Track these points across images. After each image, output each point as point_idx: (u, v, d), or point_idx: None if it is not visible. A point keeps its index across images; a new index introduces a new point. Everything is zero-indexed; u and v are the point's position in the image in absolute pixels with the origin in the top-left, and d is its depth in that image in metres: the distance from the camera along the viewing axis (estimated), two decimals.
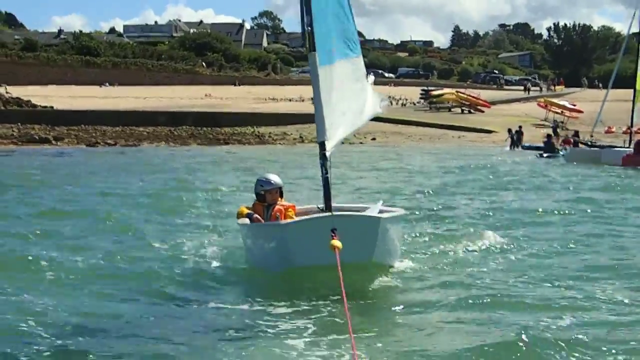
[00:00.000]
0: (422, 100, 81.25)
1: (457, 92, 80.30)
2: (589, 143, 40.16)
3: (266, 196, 11.99)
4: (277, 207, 11.90)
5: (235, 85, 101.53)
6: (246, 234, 12.04)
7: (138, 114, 60.26)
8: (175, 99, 77.76)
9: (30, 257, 12.25)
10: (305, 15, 10.91)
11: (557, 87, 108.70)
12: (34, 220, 16.24)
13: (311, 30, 10.87)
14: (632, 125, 37.75)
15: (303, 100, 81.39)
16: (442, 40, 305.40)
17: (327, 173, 10.97)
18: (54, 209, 18.01)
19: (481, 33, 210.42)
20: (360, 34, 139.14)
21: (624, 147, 36.52)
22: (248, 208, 12.05)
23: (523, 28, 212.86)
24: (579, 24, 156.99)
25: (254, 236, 11.71)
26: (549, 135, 48.14)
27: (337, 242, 9.00)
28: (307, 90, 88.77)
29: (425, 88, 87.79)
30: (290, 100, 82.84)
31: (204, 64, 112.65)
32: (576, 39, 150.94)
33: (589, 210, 18.23)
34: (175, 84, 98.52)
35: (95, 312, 9.41)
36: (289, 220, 10.83)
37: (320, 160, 10.99)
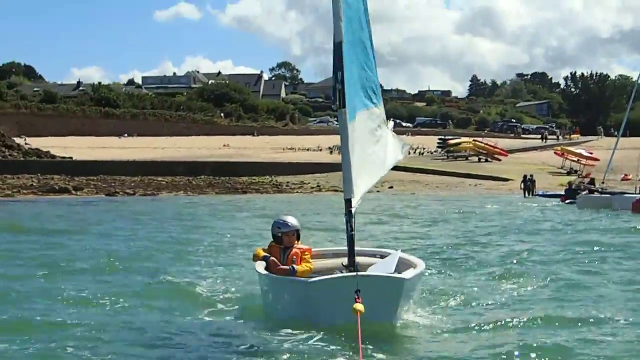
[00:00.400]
0: (439, 149, 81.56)
1: (474, 140, 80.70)
2: (600, 190, 40.58)
3: (283, 238, 11.78)
4: (294, 250, 11.72)
5: (253, 135, 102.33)
6: (266, 284, 11.72)
7: (156, 163, 60.90)
8: (193, 149, 78.44)
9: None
10: (337, 72, 10.78)
11: (572, 136, 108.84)
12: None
13: (342, 87, 10.75)
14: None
15: (321, 150, 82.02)
16: (460, 89, 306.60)
17: (352, 230, 10.77)
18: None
19: (499, 82, 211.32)
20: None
21: (634, 194, 36.73)
22: (264, 250, 11.88)
23: (540, 77, 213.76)
24: (596, 73, 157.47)
25: (274, 288, 11.41)
26: (570, 183, 48.19)
27: (360, 306, 8.92)
28: (324, 140, 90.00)
29: (443, 137, 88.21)
30: (308, 149, 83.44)
31: (222, 114, 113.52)
32: (593, 88, 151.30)
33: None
34: (194, 134, 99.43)
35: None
36: (314, 279, 10.45)
37: (345, 216, 10.82)
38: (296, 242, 11.86)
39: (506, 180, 59.36)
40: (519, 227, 26.63)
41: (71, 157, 63.04)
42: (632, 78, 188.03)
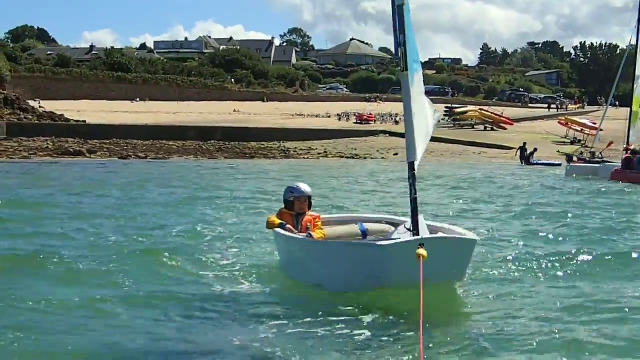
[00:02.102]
0: (446, 118, 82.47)
1: (480, 109, 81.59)
2: (587, 159, 42.48)
3: (295, 204, 11.97)
4: (306, 217, 11.92)
5: (263, 101, 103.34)
6: (317, 251, 11.23)
7: (168, 128, 62.08)
8: (204, 114, 79.64)
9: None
10: (399, 35, 10.49)
11: (570, 107, 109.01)
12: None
13: (405, 50, 10.45)
14: (627, 143, 39.15)
15: (330, 117, 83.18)
16: (471, 57, 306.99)
17: (415, 193, 10.44)
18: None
19: (510, 51, 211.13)
20: (389, 51, 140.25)
21: (615, 163, 38.21)
22: (277, 217, 12.02)
23: (552, 46, 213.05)
24: (605, 43, 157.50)
25: (332, 254, 10.83)
26: (568, 155, 49.41)
27: (423, 251, 8.95)
28: (334, 107, 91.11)
29: (449, 106, 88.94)
30: (317, 116, 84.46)
31: (233, 80, 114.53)
32: (602, 58, 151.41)
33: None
34: (205, 99, 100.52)
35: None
36: (386, 243, 10.16)
37: (409, 180, 10.48)
38: (308, 209, 12.09)
39: (510, 148, 60.43)
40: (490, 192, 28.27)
41: (84, 121, 64.36)
42: None
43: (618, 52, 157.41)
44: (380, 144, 61.78)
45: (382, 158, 53.83)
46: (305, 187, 12.20)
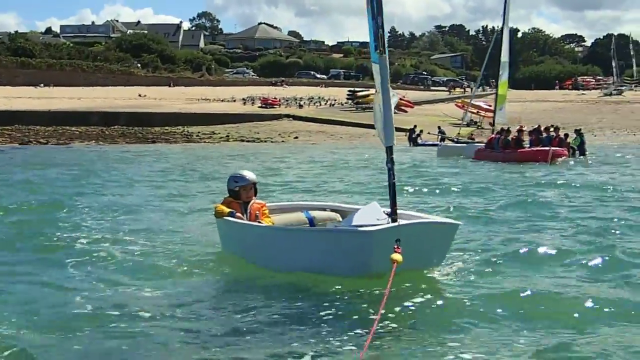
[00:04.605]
0: (349, 101, 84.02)
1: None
2: (455, 140, 45.70)
3: (241, 193, 11.59)
4: (254, 205, 11.60)
5: (169, 86, 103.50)
6: (294, 239, 10.83)
7: (71, 114, 61.92)
8: (109, 99, 79.52)
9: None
10: (377, 16, 10.24)
11: (456, 90, 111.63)
12: None
13: (383, 32, 10.20)
14: (493, 124, 41.73)
15: (235, 101, 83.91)
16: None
17: (394, 178, 10.20)
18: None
19: (418, 34, 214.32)
20: (297, 35, 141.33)
21: (479, 143, 40.75)
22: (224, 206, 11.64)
23: (458, 29, 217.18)
24: None
25: (314, 241, 10.48)
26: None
27: (398, 257, 8.72)
28: (239, 91, 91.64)
29: (352, 89, 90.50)
30: (222, 100, 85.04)
31: (139, 65, 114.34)
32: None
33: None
34: (110, 84, 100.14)
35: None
36: (372, 228, 9.77)
37: (387, 164, 10.23)
38: (254, 197, 11.73)
39: (407, 131, 62.32)
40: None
41: None
42: (544, 32, 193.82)
43: (519, 35, 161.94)
44: (282, 128, 62.94)
45: (283, 141, 55.02)
46: (249, 175, 11.76)
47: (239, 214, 11.37)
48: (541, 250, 12.22)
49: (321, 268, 10.09)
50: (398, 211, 10.24)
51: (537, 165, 31.62)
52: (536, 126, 40.97)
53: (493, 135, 38.65)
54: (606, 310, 8.81)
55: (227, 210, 11.43)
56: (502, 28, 42.63)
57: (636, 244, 12.78)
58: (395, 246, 8.93)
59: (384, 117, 10.38)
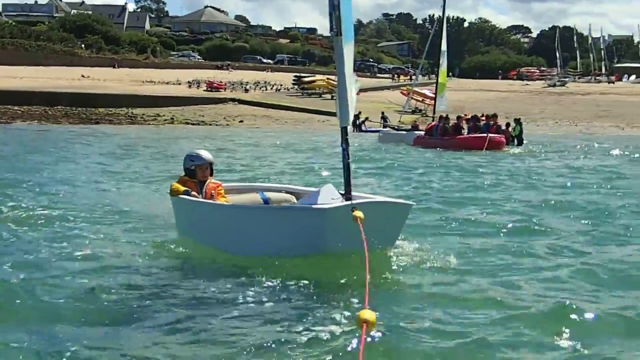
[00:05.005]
0: (295, 86, 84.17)
1: (327, 79, 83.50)
2: (396, 127, 46.93)
3: (197, 172, 11.57)
4: (210, 184, 11.62)
5: (114, 67, 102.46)
6: (253, 217, 10.61)
7: (12, 93, 60.89)
8: (52, 79, 78.50)
9: None
10: None
11: (401, 78, 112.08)
12: None
13: (339, 14, 10.09)
14: (434, 112, 42.40)
15: (180, 84, 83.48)
16: (328, 26, 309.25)
17: (349, 158, 10.18)
18: None
19: (365, 21, 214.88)
20: (244, 20, 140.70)
21: (418, 130, 41.38)
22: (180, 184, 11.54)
23: (406, 18, 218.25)
24: (453, 17, 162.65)
25: (271, 220, 10.36)
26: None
27: (360, 213, 8.88)
28: (185, 74, 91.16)
29: (298, 74, 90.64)
30: (167, 83, 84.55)
31: (83, 46, 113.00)
32: (449, 31, 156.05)
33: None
34: (53, 65, 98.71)
35: None
36: (326, 206, 9.78)
37: (342, 145, 10.20)
38: (210, 176, 11.73)
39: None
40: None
41: None
42: (490, 22, 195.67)
43: (465, 25, 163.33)
44: (227, 112, 62.88)
45: (228, 125, 54.96)
46: (206, 154, 11.80)
47: (194, 193, 11.30)
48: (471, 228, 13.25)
49: (275, 247, 9.93)
50: (353, 193, 10.24)
51: (473, 152, 32.14)
52: (474, 114, 41.53)
53: (433, 123, 39.09)
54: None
55: (182, 188, 11.35)
56: (442, 18, 43.43)
57: (549, 220, 14.08)
58: (353, 209, 9.03)
59: (339, 98, 10.32)
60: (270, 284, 9.05)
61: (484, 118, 38.30)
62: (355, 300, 8.15)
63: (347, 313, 7.73)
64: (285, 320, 7.73)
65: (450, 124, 36.76)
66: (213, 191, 11.50)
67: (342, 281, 9.14)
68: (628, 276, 9.87)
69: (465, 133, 36.04)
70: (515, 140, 38.14)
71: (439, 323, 7.69)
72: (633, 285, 9.47)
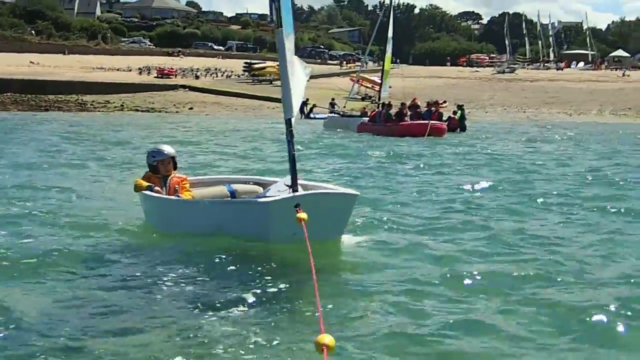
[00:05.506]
0: (246, 73, 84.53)
1: (278, 65, 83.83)
2: (341, 113, 47.08)
3: (159, 167, 11.69)
4: (174, 179, 11.70)
5: (64, 54, 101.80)
6: (202, 210, 10.99)
7: None
8: (1, 66, 78.11)
9: None
10: None
11: (349, 65, 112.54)
12: None
13: (279, 5, 10.28)
14: (379, 99, 43.33)
15: (131, 70, 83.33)
16: None
17: (294, 150, 10.36)
18: None
19: (317, 7, 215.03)
20: (196, 6, 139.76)
21: (363, 117, 42.18)
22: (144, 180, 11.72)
23: (357, 4, 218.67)
24: (403, 3, 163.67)
25: (221, 212, 10.68)
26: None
27: (304, 215, 8.75)
28: (135, 61, 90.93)
29: (248, 61, 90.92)
30: (118, 69, 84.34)
31: (33, 32, 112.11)
32: (400, 18, 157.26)
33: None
34: (3, 51, 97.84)
35: None
36: (269, 199, 10.02)
37: (287, 136, 10.38)
38: (173, 170, 11.84)
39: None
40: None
41: None
42: (441, 8, 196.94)
43: (415, 12, 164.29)
44: (178, 98, 63.17)
45: (177, 112, 55.34)
46: (168, 149, 11.89)
47: (157, 188, 11.43)
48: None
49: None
50: (304, 182, 10.68)
51: (414, 139, 33.03)
52: (414, 101, 42.46)
53: (377, 110, 40.00)
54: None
55: (145, 184, 11.52)
56: (390, 4, 44.13)
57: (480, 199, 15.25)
58: (297, 209, 8.99)
59: (283, 89, 10.47)
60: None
61: (418, 103, 39.48)
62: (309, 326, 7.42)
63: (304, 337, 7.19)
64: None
65: (394, 111, 37.66)
66: (177, 185, 11.60)
67: (295, 297, 8.58)
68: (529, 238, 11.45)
69: (408, 120, 36.95)
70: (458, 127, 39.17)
71: (394, 318, 7.75)
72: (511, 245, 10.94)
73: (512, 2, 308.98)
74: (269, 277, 8.96)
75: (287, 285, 8.70)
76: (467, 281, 8.94)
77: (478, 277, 9.03)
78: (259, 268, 9.34)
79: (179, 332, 7.20)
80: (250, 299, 8.19)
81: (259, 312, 7.84)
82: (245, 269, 9.36)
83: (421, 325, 7.38)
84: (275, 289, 8.57)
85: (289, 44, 10.56)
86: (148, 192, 11.50)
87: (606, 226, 12.55)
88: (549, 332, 7.27)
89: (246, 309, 7.92)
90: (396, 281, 9.02)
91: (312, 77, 62.79)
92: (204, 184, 12.60)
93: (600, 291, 8.53)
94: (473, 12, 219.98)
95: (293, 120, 10.42)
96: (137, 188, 11.65)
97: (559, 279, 9.00)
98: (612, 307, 7.77)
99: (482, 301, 8.21)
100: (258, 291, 8.44)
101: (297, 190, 10.08)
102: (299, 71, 11.03)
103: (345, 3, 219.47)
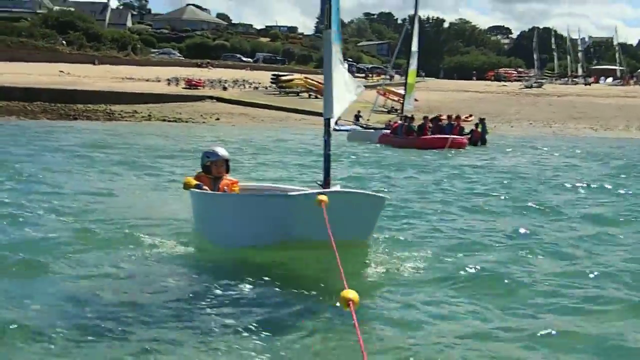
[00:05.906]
0: (273, 85, 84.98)
1: (305, 77, 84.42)
2: (364, 126, 48.32)
3: (212, 168, 11.86)
4: (224, 180, 11.80)
5: (94, 64, 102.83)
6: (224, 205, 11.12)
7: None
8: (33, 75, 78.94)
9: None
10: None
11: (375, 78, 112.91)
12: None
13: (329, 7, 10.59)
14: (402, 112, 43.70)
15: (159, 81, 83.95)
16: (309, 25, 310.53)
17: (329, 150, 10.57)
18: None
19: (347, 20, 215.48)
20: (226, 18, 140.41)
21: (385, 129, 42.87)
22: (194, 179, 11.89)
23: (387, 17, 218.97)
24: (432, 17, 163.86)
25: (239, 207, 10.70)
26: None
27: (324, 197, 8.82)
28: (164, 72, 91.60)
29: (276, 73, 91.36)
30: (147, 80, 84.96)
31: (64, 42, 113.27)
32: (429, 31, 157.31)
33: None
34: (35, 61, 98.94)
35: None
36: (294, 194, 10.03)
37: (324, 136, 10.57)
38: (225, 173, 11.98)
39: None
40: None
41: None
42: (470, 22, 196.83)
43: (445, 25, 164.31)
44: (205, 109, 63.61)
45: (204, 122, 55.79)
46: (222, 151, 12.06)
47: (205, 187, 11.57)
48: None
49: (248, 235, 10.20)
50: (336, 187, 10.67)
51: (434, 152, 33.54)
52: (436, 115, 42.94)
53: (399, 122, 40.50)
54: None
55: (194, 182, 11.73)
56: (414, 18, 44.24)
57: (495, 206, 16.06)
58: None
59: (325, 90, 10.62)
60: (249, 281, 9.28)
61: (444, 118, 39.91)
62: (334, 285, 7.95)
63: (329, 297, 8.10)
64: (275, 316, 7.99)
65: (418, 124, 38.16)
66: (226, 187, 11.68)
67: (317, 269, 9.60)
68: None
69: (430, 134, 37.41)
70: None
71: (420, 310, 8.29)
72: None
73: (543, 17, 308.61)
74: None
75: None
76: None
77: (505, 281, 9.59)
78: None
79: (181, 327, 7.67)
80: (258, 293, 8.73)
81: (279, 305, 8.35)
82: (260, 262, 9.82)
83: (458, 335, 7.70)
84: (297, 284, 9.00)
85: (336, 51, 10.85)
86: (196, 190, 11.67)
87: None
88: None
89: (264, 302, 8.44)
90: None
91: None
92: (254, 191, 12.50)
93: None
94: (503, 26, 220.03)
95: (332, 121, 10.61)
96: (186, 186, 11.89)
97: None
98: None
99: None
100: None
101: (328, 188, 10.24)
102: (345, 77, 11.40)
103: (375, 16, 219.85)
